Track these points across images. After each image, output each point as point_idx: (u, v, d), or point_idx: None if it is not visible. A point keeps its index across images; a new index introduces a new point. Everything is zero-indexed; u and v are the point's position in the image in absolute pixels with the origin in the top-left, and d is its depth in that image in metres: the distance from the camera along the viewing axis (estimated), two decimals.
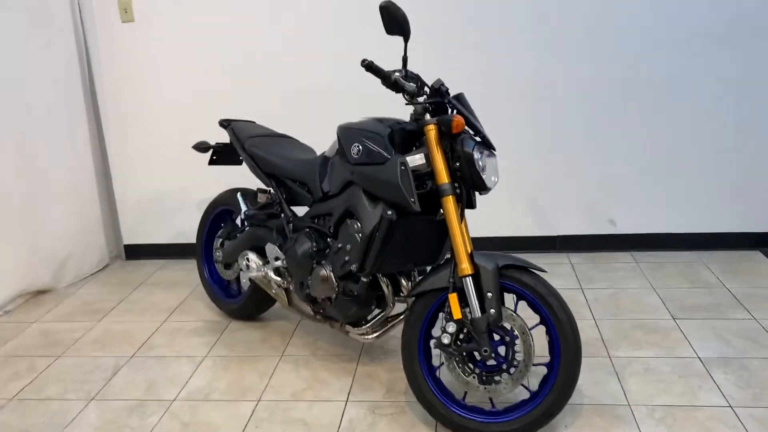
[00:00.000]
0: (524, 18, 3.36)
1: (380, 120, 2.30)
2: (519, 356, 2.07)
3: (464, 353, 2.09)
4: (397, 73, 2.10)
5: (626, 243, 3.64)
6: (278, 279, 2.63)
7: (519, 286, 2.07)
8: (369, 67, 2.06)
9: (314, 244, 2.45)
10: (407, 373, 2.18)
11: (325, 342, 2.81)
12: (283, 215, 2.66)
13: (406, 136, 2.22)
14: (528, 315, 2.09)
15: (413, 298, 2.21)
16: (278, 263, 2.62)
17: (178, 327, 3.03)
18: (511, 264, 2.07)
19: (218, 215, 3.09)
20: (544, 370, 2.09)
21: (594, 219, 3.65)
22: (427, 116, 2.14)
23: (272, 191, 2.73)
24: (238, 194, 2.83)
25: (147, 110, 3.71)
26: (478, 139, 2.12)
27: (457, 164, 2.10)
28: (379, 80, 2.10)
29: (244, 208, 2.77)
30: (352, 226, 2.28)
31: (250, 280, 2.80)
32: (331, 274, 2.36)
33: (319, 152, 2.77)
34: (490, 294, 2.03)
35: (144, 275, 3.71)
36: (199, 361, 2.71)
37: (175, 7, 3.51)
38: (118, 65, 3.65)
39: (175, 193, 3.83)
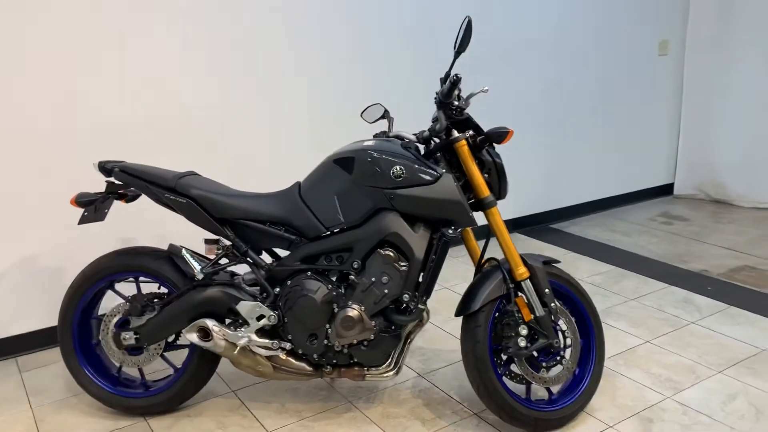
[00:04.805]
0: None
1: (386, 140, 2.20)
2: (569, 339, 2.29)
3: (535, 351, 2.20)
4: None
5: None
6: (267, 341, 2.20)
7: (552, 278, 2.29)
8: (455, 83, 1.99)
9: (330, 285, 2.16)
10: (487, 389, 2.15)
11: (291, 402, 2.45)
12: (249, 265, 2.23)
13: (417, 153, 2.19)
14: None
15: (461, 317, 2.21)
16: (263, 322, 2.18)
17: None
18: (544, 260, 2.28)
19: (97, 292, 2.34)
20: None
21: None
22: (454, 132, 2.16)
23: (222, 240, 2.25)
24: (183, 251, 2.21)
25: None
26: None
27: (486, 175, 2.19)
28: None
29: (198, 266, 2.19)
30: (387, 255, 2.12)
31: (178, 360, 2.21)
32: (364, 313, 2.13)
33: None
34: (547, 290, 2.20)
35: None
36: None
37: None
38: None
39: None
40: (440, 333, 2.97)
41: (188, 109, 3.05)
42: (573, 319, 2.31)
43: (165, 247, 2.49)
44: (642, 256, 3.92)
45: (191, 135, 3.09)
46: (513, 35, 4.04)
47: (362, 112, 2.46)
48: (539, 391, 2.36)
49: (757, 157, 4.79)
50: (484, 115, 4.00)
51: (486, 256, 2.33)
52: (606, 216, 4.78)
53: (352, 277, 2.16)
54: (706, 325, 3.00)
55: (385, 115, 2.44)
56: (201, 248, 2.91)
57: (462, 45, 2.04)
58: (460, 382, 2.56)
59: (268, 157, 3.33)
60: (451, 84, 2.02)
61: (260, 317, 2.19)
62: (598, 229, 4.46)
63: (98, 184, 2.88)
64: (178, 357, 2.67)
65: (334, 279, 2.20)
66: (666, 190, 5.26)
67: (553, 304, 2.20)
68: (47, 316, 2.90)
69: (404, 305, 2.16)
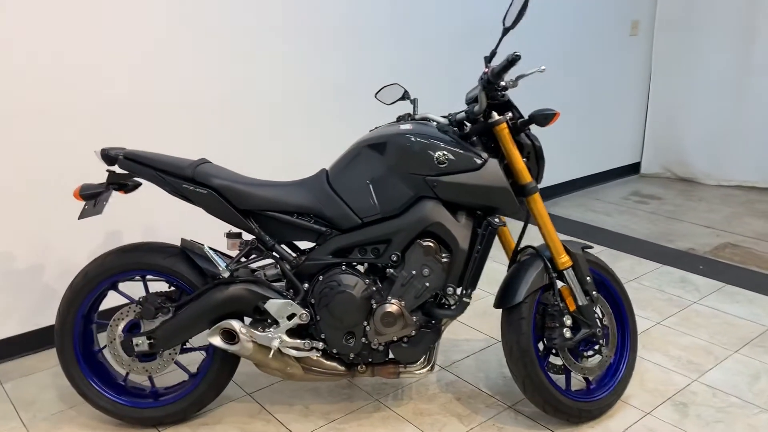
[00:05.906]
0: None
1: (422, 123, 2.07)
2: (607, 327, 2.24)
3: (579, 341, 2.13)
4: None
5: None
6: (298, 342, 2.03)
7: (589, 265, 2.22)
8: (513, 61, 1.85)
9: (367, 280, 2.01)
10: (533, 382, 2.07)
11: (315, 403, 2.30)
12: (277, 260, 2.06)
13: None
14: None
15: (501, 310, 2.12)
16: (294, 321, 2.02)
17: None
18: (583, 247, 2.21)
19: (99, 294, 2.11)
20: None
21: None
22: (494, 114, 2.04)
23: (244, 234, 2.06)
24: (206, 248, 2.01)
25: None
26: None
27: (525, 159, 2.09)
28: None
29: (222, 263, 1.99)
30: (428, 247, 2.00)
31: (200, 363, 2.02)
32: (404, 308, 2.00)
33: None
34: (588, 278, 2.13)
35: None
36: None
37: None
38: None
39: None
40: (453, 323, 2.87)
41: (187, 99, 2.81)
42: (609, 307, 2.26)
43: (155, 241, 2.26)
44: (628, 236, 3.94)
45: (190, 126, 2.84)
46: (481, 14, 3.93)
47: (377, 93, 2.31)
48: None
49: (722, 136, 4.90)
50: (455, 98, 3.88)
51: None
52: (581, 196, 4.79)
53: (390, 270, 2.02)
54: (709, 304, 3.03)
55: (406, 95, 2.30)
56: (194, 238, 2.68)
57: (515, 22, 1.91)
58: (485, 373, 2.47)
59: (274, 146, 3.12)
60: (507, 62, 1.88)
61: (291, 316, 2.02)
62: (578, 210, 4.47)
63: (71, 174, 2.62)
64: (186, 359, 2.47)
65: (373, 272, 2.06)
66: (633, 169, 5.33)
67: (594, 293, 2.14)
68: (25, 320, 2.62)
69: (442, 298, 2.05)
